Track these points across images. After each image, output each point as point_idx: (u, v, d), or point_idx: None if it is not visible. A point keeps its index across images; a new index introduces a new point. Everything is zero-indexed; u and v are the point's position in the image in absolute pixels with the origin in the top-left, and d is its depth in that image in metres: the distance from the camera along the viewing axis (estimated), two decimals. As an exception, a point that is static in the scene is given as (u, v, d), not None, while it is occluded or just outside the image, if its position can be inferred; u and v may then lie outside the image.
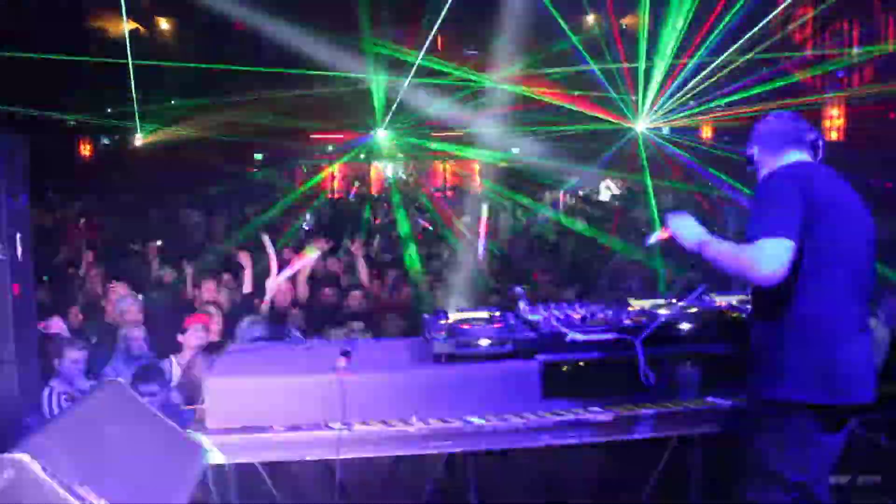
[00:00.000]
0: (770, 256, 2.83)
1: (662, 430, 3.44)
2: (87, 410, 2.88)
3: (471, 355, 3.36)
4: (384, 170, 21.31)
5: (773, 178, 3.08)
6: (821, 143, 3.20)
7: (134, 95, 13.27)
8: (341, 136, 19.39)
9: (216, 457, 3.18)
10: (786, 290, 2.90)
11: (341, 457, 3.23)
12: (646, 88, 15.63)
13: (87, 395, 3.01)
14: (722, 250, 3.03)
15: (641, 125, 15.98)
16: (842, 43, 14.32)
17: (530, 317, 3.55)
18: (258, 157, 20.73)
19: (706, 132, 17.29)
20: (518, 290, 3.67)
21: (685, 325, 3.54)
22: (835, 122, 14.03)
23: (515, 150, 20.98)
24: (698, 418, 3.44)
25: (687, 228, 3.22)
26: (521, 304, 3.63)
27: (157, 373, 4.53)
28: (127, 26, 13.64)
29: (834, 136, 14.19)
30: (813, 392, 2.93)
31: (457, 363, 3.37)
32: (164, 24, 16.78)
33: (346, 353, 3.46)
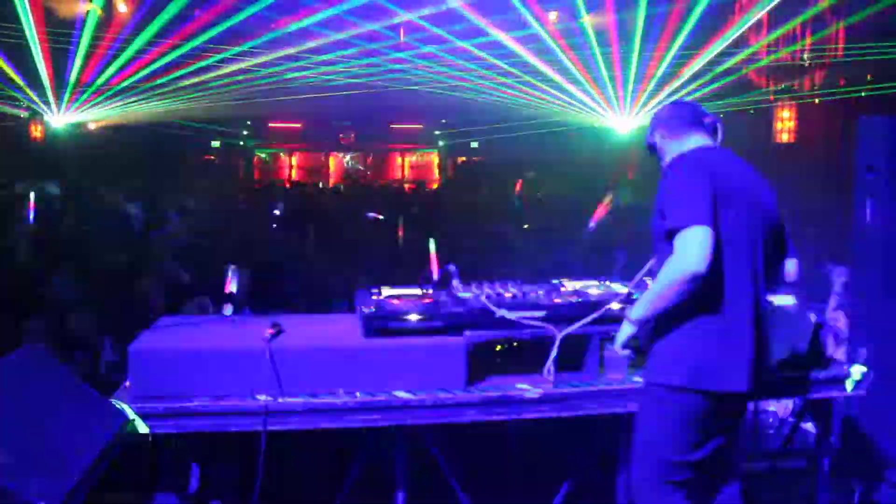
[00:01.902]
0: (697, 245, 2.79)
1: (589, 409, 3.48)
2: (5, 370, 2.84)
3: (399, 330, 3.37)
4: (343, 160, 21.22)
5: (681, 164, 3.07)
6: (718, 125, 3.24)
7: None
8: (299, 124, 19.27)
9: (140, 426, 3.15)
10: None
11: (269, 429, 3.21)
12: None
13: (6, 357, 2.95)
14: (653, 289, 2.94)
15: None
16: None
17: (461, 294, 3.56)
18: (215, 144, 20.47)
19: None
20: (451, 267, 3.66)
21: (616, 305, 3.56)
22: (786, 123, 14.29)
23: (475, 145, 21.00)
24: (625, 397, 3.48)
25: (621, 332, 3.11)
26: (454, 282, 3.63)
27: None
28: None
29: (785, 137, 14.45)
30: (700, 379, 2.93)
31: (385, 337, 3.37)
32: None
33: (276, 326, 3.44)
